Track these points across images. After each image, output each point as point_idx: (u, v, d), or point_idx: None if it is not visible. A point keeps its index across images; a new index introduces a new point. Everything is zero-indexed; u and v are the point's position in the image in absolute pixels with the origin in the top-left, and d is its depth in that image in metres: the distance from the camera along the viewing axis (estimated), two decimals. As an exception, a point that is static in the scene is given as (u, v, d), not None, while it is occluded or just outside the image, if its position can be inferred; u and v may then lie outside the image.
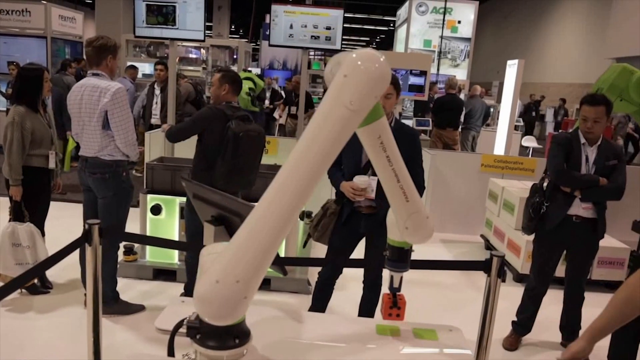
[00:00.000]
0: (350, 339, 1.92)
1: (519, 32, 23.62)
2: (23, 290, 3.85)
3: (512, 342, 3.62)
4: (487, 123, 11.00)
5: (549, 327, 3.81)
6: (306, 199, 1.28)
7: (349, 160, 3.13)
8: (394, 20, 19.44)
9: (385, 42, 32.70)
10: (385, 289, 3.32)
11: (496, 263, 2.27)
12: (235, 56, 11.02)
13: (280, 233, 1.26)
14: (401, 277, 1.97)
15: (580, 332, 3.52)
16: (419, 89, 9.09)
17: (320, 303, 3.33)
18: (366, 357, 1.77)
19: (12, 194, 3.61)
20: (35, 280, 3.87)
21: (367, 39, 36.42)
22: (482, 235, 5.77)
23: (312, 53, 37.26)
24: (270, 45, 4.52)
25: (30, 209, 3.68)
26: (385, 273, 3.40)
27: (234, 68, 10.94)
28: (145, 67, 10.02)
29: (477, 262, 2.25)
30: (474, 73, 15.93)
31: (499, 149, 8.32)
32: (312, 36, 4.37)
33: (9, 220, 3.64)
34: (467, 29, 14.23)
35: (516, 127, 11.61)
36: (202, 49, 10.70)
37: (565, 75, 19.54)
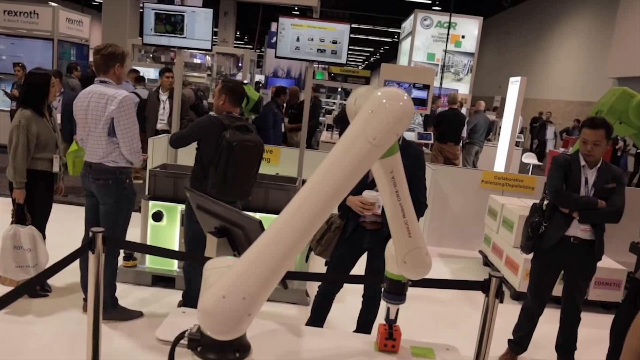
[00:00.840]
0: (349, 355, 1.94)
1: (522, 48, 23.75)
2: (22, 292, 3.86)
3: (508, 360, 3.63)
4: (488, 138, 11.06)
5: (544, 346, 3.83)
6: (318, 225, 1.32)
7: None
8: (399, 33, 19.53)
9: (389, 54, 32.85)
10: (384, 304, 3.36)
11: (495, 283, 2.30)
12: (240, 64, 11.08)
13: (291, 254, 1.29)
14: (397, 309, 1.99)
15: (576, 353, 3.56)
16: (421, 102, 9.15)
17: (318, 316, 3.34)
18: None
19: (15, 196, 3.64)
20: (35, 283, 3.88)
21: (372, 49, 36.57)
22: (480, 251, 5.79)
23: (316, 63, 37.54)
24: (276, 57, 4.55)
25: (33, 212, 3.70)
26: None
27: (239, 76, 10.98)
28: (150, 72, 10.06)
29: (475, 282, 2.28)
30: (476, 87, 16.02)
31: (500, 165, 8.36)
32: (318, 49, 4.41)
33: (11, 223, 3.66)
34: (470, 43, 14.32)
35: (517, 144, 11.64)
36: (207, 56, 10.76)
37: (565, 92, 19.63)
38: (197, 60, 11.72)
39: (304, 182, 4.88)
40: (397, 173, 1.58)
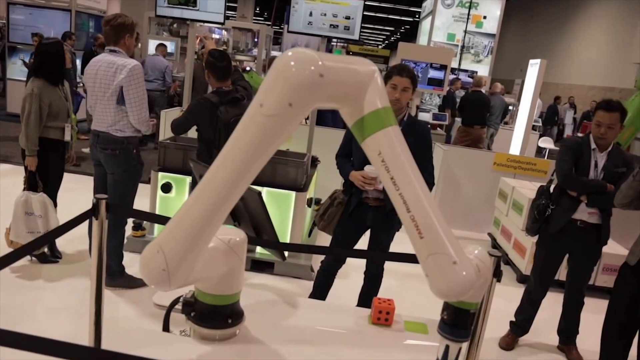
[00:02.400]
0: (342, 327, 1.95)
1: (545, 31, 23.25)
2: (33, 258, 3.95)
3: (509, 342, 3.64)
4: (505, 121, 10.92)
5: (546, 330, 3.82)
6: (230, 200, 1.32)
7: (360, 151, 3.14)
8: (419, 12, 19.25)
9: (410, 34, 32.41)
10: (386, 280, 3.37)
11: (493, 262, 2.29)
12: (256, 39, 11.02)
13: (199, 229, 1.32)
14: (460, 349, 1.48)
15: (578, 338, 3.55)
16: (438, 82, 9.05)
17: (320, 291, 3.37)
18: (351, 345, 1.80)
19: (27, 164, 3.70)
20: (45, 250, 3.97)
21: (392, 29, 36.12)
22: (489, 234, 5.77)
23: (334, 40, 37.03)
24: (288, 31, 4.53)
25: (44, 180, 3.76)
26: (387, 265, 3.44)
27: (255, 51, 10.92)
28: (168, 46, 10.08)
29: (474, 261, 2.26)
30: (497, 70, 15.77)
31: (515, 149, 8.26)
32: (331, 25, 4.37)
33: (23, 190, 3.73)
34: (492, 24, 14.07)
35: (534, 128, 11.49)
36: (224, 30, 10.71)
37: (588, 77, 19.23)
38: (215, 36, 11.70)
39: (313, 158, 4.88)
40: (389, 155, 1.27)
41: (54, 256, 4.04)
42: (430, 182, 3.18)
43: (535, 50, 22.12)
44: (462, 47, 13.73)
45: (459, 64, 13.30)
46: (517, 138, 8.40)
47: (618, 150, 3.29)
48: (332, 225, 3.26)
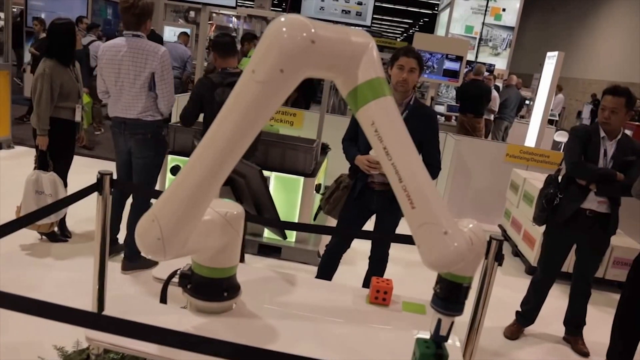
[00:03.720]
0: (339, 305, 1.95)
1: (566, 25, 22.88)
2: (43, 237, 4.01)
3: (513, 332, 3.61)
4: (521, 115, 10.80)
5: (553, 321, 3.79)
6: (224, 171, 1.32)
7: (365, 134, 3.13)
8: (438, 4, 19.07)
9: (428, 26, 32.13)
10: (391, 267, 3.36)
11: (494, 247, 2.28)
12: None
13: (193, 199, 1.33)
14: (452, 323, 1.41)
15: (586, 330, 3.52)
16: (453, 74, 8.97)
17: (325, 275, 3.37)
18: (346, 323, 1.80)
19: (38, 143, 3.74)
20: (56, 229, 4.02)
21: (410, 21, 35.84)
22: (499, 226, 5.72)
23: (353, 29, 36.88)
24: (300, 16, 4.51)
25: (55, 159, 3.80)
26: (393, 252, 3.43)
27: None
28: (183, 34, 10.13)
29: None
30: (515, 63, 15.57)
31: (530, 142, 8.16)
32: (342, 10, 4.35)
33: (34, 169, 3.77)
34: (511, 17, 13.90)
35: (551, 122, 11.34)
36: (234, 18, 10.71)
37: (610, 73, 18.90)
38: (231, 25, 11.72)
39: (323, 145, 4.88)
40: (382, 125, 1.28)
41: (63, 235, 4.09)
42: (436, 167, 3.16)
43: (556, 45, 21.79)
44: (480, 39, 13.58)
45: (476, 57, 13.16)
46: (532, 131, 8.30)
47: (628, 139, 3.23)
48: (338, 209, 3.26)
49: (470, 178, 5.96)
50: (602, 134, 3.22)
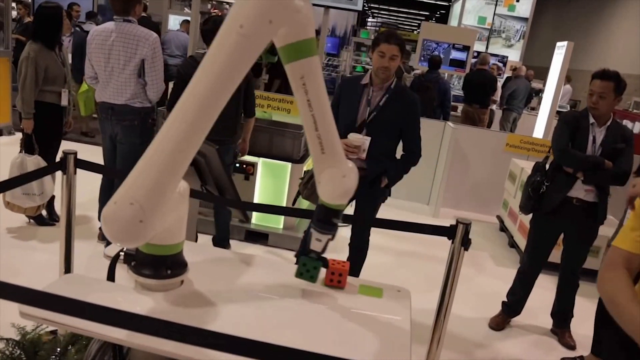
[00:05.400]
0: (292, 286, 1.91)
1: (581, 17, 22.41)
2: (31, 220, 4.03)
3: (499, 322, 3.54)
4: (530, 106, 10.62)
5: (540, 312, 3.71)
6: (202, 130, 1.29)
7: (345, 118, 3.09)
8: (453, -5, 18.81)
9: (444, 18, 31.76)
10: (381, 256, 3.31)
11: (461, 230, 2.22)
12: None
13: (173, 162, 1.29)
14: (327, 241, 1.75)
15: (573, 322, 3.43)
16: (460, 64, 8.86)
17: (304, 260, 3.33)
18: (294, 303, 1.76)
19: (23, 126, 3.75)
20: (43, 212, 4.04)
21: (427, 13, 35.47)
22: (497, 217, 5.63)
23: (370, 21, 36.28)
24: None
25: (41, 143, 3.81)
26: (382, 241, 3.39)
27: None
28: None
29: (441, 227, 2.21)
30: (529, 55, 15.32)
31: (539, 133, 8.01)
32: (333, -6, 4.29)
33: (19, 152, 3.78)
34: (525, 8, 13.67)
35: (560, 113, 11.11)
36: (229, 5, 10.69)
37: (625, 66, 18.49)
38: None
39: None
40: (310, 80, 1.42)
41: (51, 219, 4.11)
42: (416, 153, 3.10)
43: (571, 37, 21.33)
44: (491, 30, 13.36)
45: (487, 48, 12.96)
46: (540, 122, 8.15)
47: (618, 125, 3.13)
48: (316, 194, 3.18)
49: (469, 168, 5.86)
50: (592, 120, 3.12)
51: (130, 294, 1.64)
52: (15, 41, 6.26)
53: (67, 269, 2.43)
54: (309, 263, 1.76)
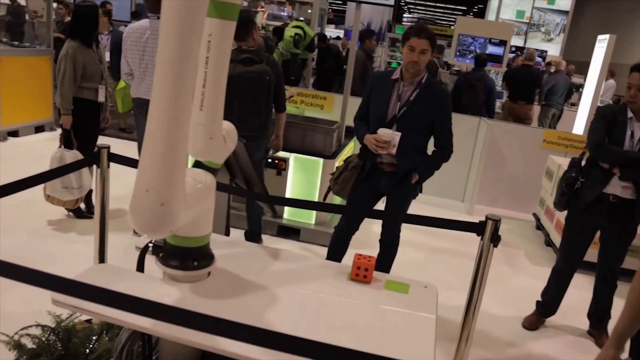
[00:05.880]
0: (318, 280, 1.91)
1: (626, 9, 21.67)
2: (70, 213, 4.15)
3: (532, 322, 3.46)
4: (571, 102, 10.34)
5: (577, 313, 3.61)
6: (185, 91, 1.28)
7: (375, 113, 3.07)
8: (491, -11, 18.46)
9: (482, 12, 31.21)
10: (412, 252, 3.28)
11: (490, 226, 2.18)
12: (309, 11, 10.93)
13: (169, 135, 1.29)
14: None
15: (610, 322, 3.33)
16: (496, 59, 8.69)
17: (334, 257, 3.33)
18: (319, 297, 1.76)
19: (62, 122, 3.87)
20: (82, 206, 4.15)
21: (464, 8, 34.93)
22: (534, 214, 5.50)
23: (406, 16, 35.98)
24: (323, -3, 4.46)
25: (79, 138, 3.92)
26: (415, 237, 3.34)
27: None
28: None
29: (471, 224, 2.16)
30: (569, 50, 14.90)
31: (579, 129, 7.80)
32: (365, -12, 4.25)
33: (59, 147, 3.90)
34: (565, 1, 13.30)
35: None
36: (288, 6, 10.73)
37: (675, 60, 17.82)
38: (284, 14, 11.72)
39: (347, 128, 4.81)
40: (216, 40, 1.48)
41: (89, 212, 4.22)
42: (447, 149, 3.05)
43: (614, 30, 20.69)
44: (529, 24, 13.05)
45: (525, 42, 12.68)
46: (581, 118, 7.93)
47: (658, 120, 3.02)
48: (347, 190, 3.20)
49: (505, 164, 5.75)
50: (630, 114, 3.02)
51: (157, 284, 1.68)
52: (55, 40, 6.45)
53: (101, 259, 2.49)
54: None
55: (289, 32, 5.49)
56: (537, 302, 3.51)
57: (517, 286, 4.12)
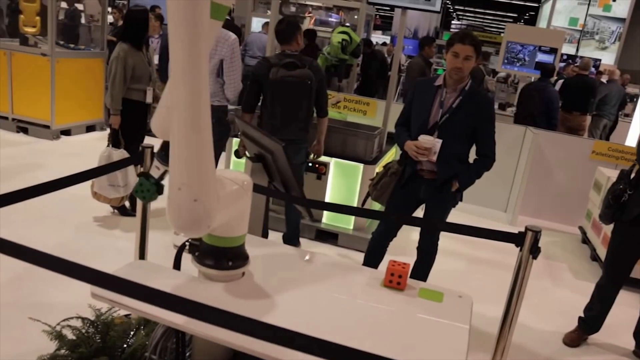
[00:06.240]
0: (351, 285, 1.91)
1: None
2: (115, 210, 4.28)
3: (574, 338, 3.35)
4: (625, 113, 9.98)
5: (623, 331, 3.48)
6: (199, 85, 1.35)
7: (417, 120, 3.05)
8: (543, -5, 18.05)
9: (534, 20, 30.53)
10: (452, 262, 3.24)
11: (530, 238, 2.12)
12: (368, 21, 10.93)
13: (192, 133, 1.35)
14: (164, 172, 1.97)
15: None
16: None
17: (371, 263, 3.32)
18: (349, 302, 1.76)
19: (111, 122, 4.00)
20: (127, 204, 4.28)
21: (515, 15, 34.24)
22: (580, 227, 5.33)
23: (455, 23, 35.47)
24: (368, 3, 4.45)
25: (126, 137, 4.04)
26: (455, 247, 3.27)
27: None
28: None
29: (510, 234, 2.12)
30: (625, 59, 14.39)
31: (632, 141, 7.53)
32: (411, -5, 4.23)
33: (107, 146, 4.03)
34: (622, 8, 12.89)
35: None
36: (340, 12, 10.76)
37: None
38: (332, 19, 11.75)
39: (388, 134, 4.79)
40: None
41: (133, 210, 4.34)
42: (490, 157, 3.00)
43: (676, 39, 19.88)
44: (582, 32, 12.67)
45: (577, 50, 12.32)
46: (634, 129, 7.65)
47: None
48: (386, 195, 3.19)
49: (551, 175, 5.59)
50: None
51: (192, 283, 1.71)
52: (108, 42, 6.68)
53: (142, 256, 2.56)
54: (145, 184, 1.88)
55: (336, 37, 5.51)
56: (580, 318, 3.40)
57: (559, 301, 4.00)
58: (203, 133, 1.38)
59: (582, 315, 3.39)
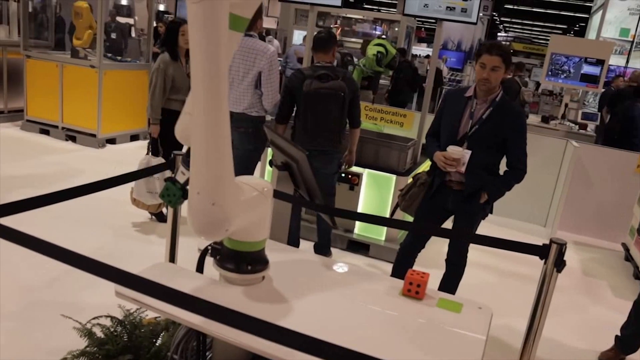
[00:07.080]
0: (370, 293, 1.92)
1: None
2: (152, 216, 4.41)
3: (610, 357, 3.24)
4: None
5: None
6: (220, 97, 1.39)
7: (447, 130, 3.05)
8: (592, 6, 17.59)
9: (583, 31, 29.76)
10: (481, 274, 3.19)
11: (554, 250, 2.09)
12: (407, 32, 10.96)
13: (212, 141, 1.41)
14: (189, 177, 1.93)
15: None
16: (592, 79, 8.24)
17: (398, 273, 3.30)
18: (367, 310, 1.77)
19: (151, 131, 4.14)
20: (164, 210, 4.40)
21: (564, 26, 33.47)
22: (623, 244, 5.15)
23: (501, 35, 34.83)
24: (404, 14, 4.46)
25: (165, 146, 4.17)
26: (485, 260, 3.22)
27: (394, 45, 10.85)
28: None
29: (534, 247, 2.09)
30: (679, 70, 13.84)
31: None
32: (447, 7, 4.22)
33: (146, 154, 4.17)
34: (676, 18, 12.39)
35: None
36: (383, 25, 10.83)
37: None
38: (368, 31, 11.86)
39: (423, 146, 4.77)
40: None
41: (171, 217, 4.46)
42: (520, 169, 2.95)
43: None
44: (633, 42, 12.27)
45: (627, 62, 11.92)
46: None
47: None
48: (414, 206, 3.18)
49: (592, 190, 5.43)
50: None
51: (211, 285, 1.77)
52: (154, 54, 6.93)
53: (172, 259, 2.64)
54: (171, 189, 1.88)
55: (371, 50, 5.54)
56: (616, 336, 3.29)
57: (595, 318, 3.87)
58: (221, 138, 1.43)
59: (619, 334, 3.28)
